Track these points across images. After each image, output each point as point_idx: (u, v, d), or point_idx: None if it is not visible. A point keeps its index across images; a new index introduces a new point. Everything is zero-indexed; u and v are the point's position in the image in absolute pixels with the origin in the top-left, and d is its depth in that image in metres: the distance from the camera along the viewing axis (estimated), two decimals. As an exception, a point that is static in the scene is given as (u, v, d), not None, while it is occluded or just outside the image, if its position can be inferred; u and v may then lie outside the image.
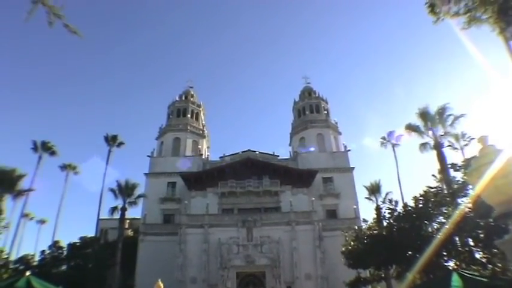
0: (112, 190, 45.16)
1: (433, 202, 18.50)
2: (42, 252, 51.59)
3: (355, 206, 45.58)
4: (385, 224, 20.28)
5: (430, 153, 31.36)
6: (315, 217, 41.25)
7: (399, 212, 19.52)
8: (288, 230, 39.86)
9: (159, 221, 48.03)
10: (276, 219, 41.11)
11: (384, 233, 19.66)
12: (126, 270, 42.97)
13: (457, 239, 17.68)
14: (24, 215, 55.21)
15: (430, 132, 31.35)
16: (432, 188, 19.59)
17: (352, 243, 22.25)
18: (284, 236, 39.34)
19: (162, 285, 13.23)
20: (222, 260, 37.71)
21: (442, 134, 31.24)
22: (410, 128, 32.92)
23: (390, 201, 20.41)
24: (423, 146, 33.38)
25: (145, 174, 51.94)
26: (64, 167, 55.90)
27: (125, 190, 44.55)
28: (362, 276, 26.78)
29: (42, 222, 67.97)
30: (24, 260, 45.95)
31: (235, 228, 39.47)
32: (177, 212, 46.56)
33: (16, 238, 48.18)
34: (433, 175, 20.66)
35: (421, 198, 18.98)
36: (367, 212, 58.09)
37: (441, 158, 28.53)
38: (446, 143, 32.32)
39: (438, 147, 29.31)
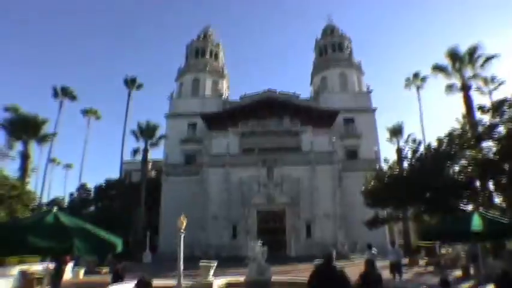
0: (133, 132, 45.68)
1: (457, 144, 18.02)
2: (71, 194, 53.74)
3: (376, 148, 45.18)
4: (406, 164, 19.94)
5: (456, 96, 30.14)
6: (335, 157, 41.29)
7: (421, 153, 19.13)
8: (308, 170, 40.11)
9: (180, 161, 48.88)
10: (297, 159, 41.32)
11: (405, 173, 19.40)
12: (150, 210, 44.44)
13: (477, 183, 17.34)
14: (51, 161, 56.88)
15: (458, 74, 29.94)
16: (456, 130, 19.00)
17: (372, 182, 22.08)
18: (304, 176, 39.72)
19: (185, 220, 13.28)
20: (243, 198, 38.60)
21: (471, 75, 29.80)
22: (438, 68, 31.39)
23: (414, 140, 19.96)
24: (449, 88, 32.10)
25: (166, 116, 52.33)
26: (85, 112, 56.56)
27: (146, 132, 44.84)
28: (380, 216, 26.87)
29: (68, 167, 70.24)
30: (55, 202, 47.48)
31: (255, 168, 39.91)
32: (198, 153, 47.03)
33: (45, 182, 49.83)
34: (458, 118, 19.87)
35: (445, 139, 18.49)
36: (387, 154, 57.43)
37: (467, 100, 27.45)
38: (474, 86, 31.01)
39: (465, 89, 28.09)
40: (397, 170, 20.71)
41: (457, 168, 18.11)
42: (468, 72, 29.25)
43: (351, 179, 40.33)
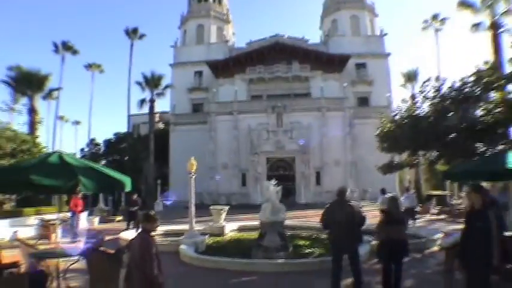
0: (138, 83, 44.80)
1: (484, 83, 16.73)
2: (82, 150, 53.95)
3: (388, 94, 43.58)
4: (427, 105, 18.65)
5: (478, 38, 28.17)
6: (346, 104, 40.11)
7: (444, 93, 17.80)
8: (318, 116, 39.10)
9: (188, 110, 48.15)
10: (306, 105, 40.20)
11: (428, 113, 18.16)
12: (160, 161, 44.50)
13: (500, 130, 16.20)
14: (59, 118, 56.72)
15: (488, 10, 27.55)
16: (483, 70, 17.59)
17: (389, 125, 20.93)
18: (314, 122, 38.75)
19: (195, 162, 12.67)
20: (252, 146, 37.94)
21: (504, 11, 27.23)
22: (464, 4, 28.99)
23: (437, 78, 18.60)
24: (476, 26, 30.02)
25: (171, 65, 51.09)
26: (89, 66, 55.36)
27: (151, 82, 44.09)
28: (395, 161, 25.99)
29: (77, 123, 70.40)
30: (66, 158, 47.36)
31: (264, 114, 38.95)
32: (206, 101, 46.07)
33: (56, 140, 49.48)
34: (485, 61, 18.33)
35: (470, 79, 17.17)
36: (400, 101, 55.50)
37: (496, 40, 25.47)
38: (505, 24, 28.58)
39: (495, 27, 25.98)
40: (414, 112, 19.45)
41: (480, 112, 16.96)
42: (499, 8, 26.94)
43: (362, 126, 39.30)
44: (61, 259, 7.20)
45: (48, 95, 38.50)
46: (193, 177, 12.69)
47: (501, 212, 5.43)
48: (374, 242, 9.76)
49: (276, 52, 45.78)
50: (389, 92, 44.85)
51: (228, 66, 46.06)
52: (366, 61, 48.05)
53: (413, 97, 21.58)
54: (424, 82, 18.75)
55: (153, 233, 4.58)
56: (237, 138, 39.08)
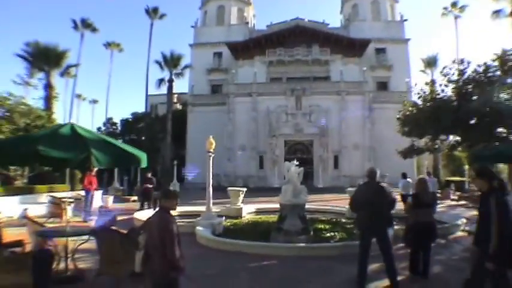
0: (157, 62, 44.44)
1: (509, 67, 16.35)
2: (99, 129, 53.79)
3: (407, 79, 42.83)
4: (451, 88, 18.30)
5: (498, 26, 27.52)
6: (365, 88, 39.83)
7: (468, 76, 17.41)
8: (338, 100, 38.87)
9: (206, 91, 48.00)
10: (326, 88, 39.87)
11: (452, 96, 17.84)
12: (177, 142, 44.45)
13: None
14: (77, 96, 56.92)
15: None
16: (508, 53, 17.17)
17: (410, 108, 20.59)
18: (333, 106, 38.54)
19: (213, 141, 12.55)
20: (271, 128, 37.87)
21: None
22: None
23: (461, 61, 18.20)
24: (496, 13, 29.30)
25: (190, 45, 50.78)
26: (108, 45, 55.24)
27: (170, 61, 43.80)
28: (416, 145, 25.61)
29: (94, 102, 70.21)
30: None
31: (283, 97, 38.83)
32: (225, 82, 45.85)
33: (72, 118, 49.53)
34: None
35: (494, 62, 16.78)
36: (419, 87, 54.58)
37: None
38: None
39: None
40: (438, 95, 19.05)
41: (506, 94, 16.62)
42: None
43: (381, 110, 38.97)
44: (70, 238, 6.73)
45: (65, 72, 38.21)
46: (212, 156, 12.61)
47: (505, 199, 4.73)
48: (398, 227, 9.65)
49: (296, 35, 45.39)
50: (409, 78, 44.11)
51: (248, 48, 45.79)
52: (385, 46, 47.34)
53: (433, 83, 21.10)
54: (444, 68, 18.42)
55: (172, 212, 4.17)
56: (255, 120, 39.03)
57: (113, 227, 6.15)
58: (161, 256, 3.81)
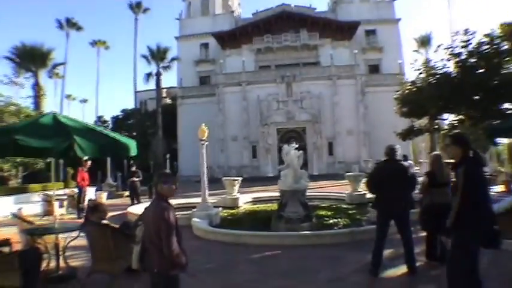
0: (144, 57, 44.30)
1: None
2: (89, 127, 53.10)
3: (400, 61, 42.15)
4: (453, 62, 17.41)
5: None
6: (357, 71, 39.03)
7: (471, 51, 16.48)
8: (329, 85, 38.11)
9: (195, 84, 47.19)
10: (316, 73, 39.11)
11: (455, 70, 16.95)
12: (168, 136, 43.96)
13: None
14: (67, 96, 56.86)
15: None
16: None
17: (409, 87, 19.73)
18: (325, 91, 37.75)
19: (206, 129, 11.80)
20: (262, 117, 37.19)
21: None
22: None
23: (466, 31, 17.23)
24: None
25: (176, 38, 49.97)
26: (94, 43, 54.90)
27: (157, 55, 43.50)
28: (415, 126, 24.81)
29: (84, 101, 70.64)
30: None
31: (274, 84, 38.09)
32: (213, 73, 44.99)
33: (62, 118, 49.22)
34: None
35: (500, 33, 15.93)
36: (411, 68, 53.79)
37: None
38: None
39: None
40: (437, 72, 18.15)
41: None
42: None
43: (374, 94, 38.46)
44: (60, 235, 6.32)
45: (52, 70, 37.98)
46: (205, 144, 11.88)
47: (476, 170, 4.15)
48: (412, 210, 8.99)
49: (283, 21, 44.42)
50: (401, 59, 43.48)
51: (234, 37, 44.85)
52: (375, 27, 46.52)
53: (426, 63, 20.34)
54: (438, 46, 17.69)
55: (171, 200, 3.51)
56: (246, 109, 38.28)
57: (104, 221, 5.53)
58: (159, 251, 3.25)
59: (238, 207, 14.23)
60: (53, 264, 6.20)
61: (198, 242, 8.87)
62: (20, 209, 13.62)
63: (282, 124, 37.65)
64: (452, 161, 4.39)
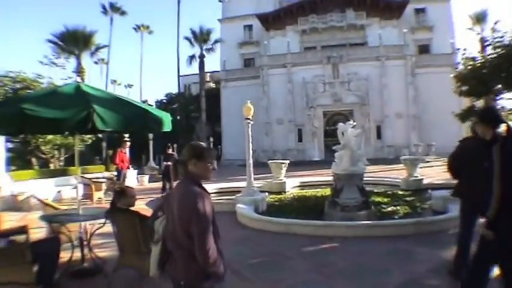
0: (187, 39, 44.14)
1: None
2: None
3: (452, 40, 40.00)
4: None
5: None
6: (406, 51, 37.22)
7: None
8: (377, 66, 36.60)
9: (239, 66, 46.61)
10: (364, 54, 37.57)
11: None
12: (212, 120, 44.16)
13: None
14: (112, 82, 58.17)
15: None
16: None
17: (471, 63, 18.27)
18: (373, 73, 36.33)
19: (252, 106, 11.18)
20: (308, 100, 36.31)
21: None
22: None
23: None
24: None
25: (219, 20, 49.47)
26: (138, 28, 55.39)
27: (200, 37, 43.30)
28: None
29: (129, 86, 71.79)
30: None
31: (319, 66, 36.95)
32: (257, 55, 44.30)
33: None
34: None
35: None
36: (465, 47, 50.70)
37: None
38: None
39: None
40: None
41: None
42: None
43: (424, 75, 36.89)
44: (87, 222, 5.59)
45: (96, 54, 38.31)
46: (251, 123, 11.29)
47: None
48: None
49: (329, 0, 42.78)
50: (453, 38, 41.26)
51: (278, 17, 43.80)
52: (425, 5, 44.00)
53: (482, 41, 18.83)
54: (495, 23, 16.30)
55: (206, 185, 2.54)
56: (291, 92, 37.43)
57: (131, 208, 4.70)
58: (188, 254, 2.34)
59: (285, 192, 13.41)
60: (78, 255, 5.51)
61: (243, 231, 8.16)
62: (59, 192, 13.48)
63: (328, 107, 36.64)
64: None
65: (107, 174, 18.22)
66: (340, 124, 9.70)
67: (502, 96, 18.92)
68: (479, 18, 40.62)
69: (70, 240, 5.39)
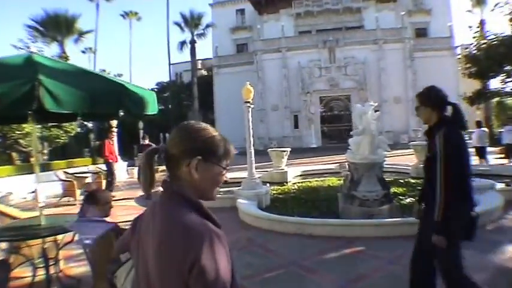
0: (177, 24, 42.88)
1: None
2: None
3: (449, 24, 39.08)
4: None
5: None
6: (404, 34, 36.12)
7: None
8: (375, 50, 35.60)
9: (231, 52, 45.41)
10: (361, 37, 36.41)
11: None
12: (204, 107, 43.17)
13: None
14: (101, 71, 56.11)
15: None
16: None
17: (484, 40, 17.28)
18: (370, 56, 35.31)
19: (251, 88, 10.08)
20: (304, 85, 35.19)
21: None
22: None
23: None
24: None
25: (210, 4, 48.08)
26: (126, 15, 53.19)
27: (191, 21, 42.10)
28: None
29: (119, 75, 69.71)
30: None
31: (315, 50, 35.79)
32: (250, 40, 43.19)
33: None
34: None
35: None
36: (462, 31, 50.49)
37: None
38: None
39: None
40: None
41: None
42: None
43: (422, 59, 35.86)
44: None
45: (81, 40, 36.78)
46: (251, 108, 10.15)
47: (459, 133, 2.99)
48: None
49: (326, -19, 41.50)
50: (451, 21, 40.30)
51: (272, 1, 42.21)
52: (423, -13, 43.05)
53: (481, 24, 17.95)
54: (496, 5, 15.32)
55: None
56: (286, 77, 36.26)
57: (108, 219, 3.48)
58: None
59: (287, 182, 12.32)
60: (41, 272, 4.28)
61: (247, 232, 6.92)
62: (32, 192, 12.07)
63: (325, 92, 35.59)
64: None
65: (93, 167, 16.85)
66: (358, 106, 8.48)
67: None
68: (479, 1, 39.62)
69: (31, 258, 4.24)
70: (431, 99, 3.16)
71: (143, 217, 1.39)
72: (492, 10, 16.60)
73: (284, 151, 13.53)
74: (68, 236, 4.27)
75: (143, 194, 7.22)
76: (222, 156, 1.36)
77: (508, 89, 18.54)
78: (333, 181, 11.25)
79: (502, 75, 17.44)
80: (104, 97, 3.68)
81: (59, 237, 4.33)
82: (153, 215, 1.30)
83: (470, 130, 14.94)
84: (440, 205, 2.77)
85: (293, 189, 10.92)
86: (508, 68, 16.31)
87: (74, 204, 10.63)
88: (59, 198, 11.64)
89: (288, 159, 13.78)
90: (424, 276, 3.14)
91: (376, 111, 8.06)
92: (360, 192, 7.33)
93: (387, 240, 5.83)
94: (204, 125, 1.39)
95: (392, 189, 9.38)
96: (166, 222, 1.22)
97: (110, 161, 13.10)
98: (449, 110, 3.11)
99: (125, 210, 8.66)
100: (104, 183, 13.27)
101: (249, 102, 9.96)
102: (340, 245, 5.85)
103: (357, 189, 7.41)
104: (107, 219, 3.41)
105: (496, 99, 26.90)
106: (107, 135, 13.97)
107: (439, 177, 2.79)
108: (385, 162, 8.12)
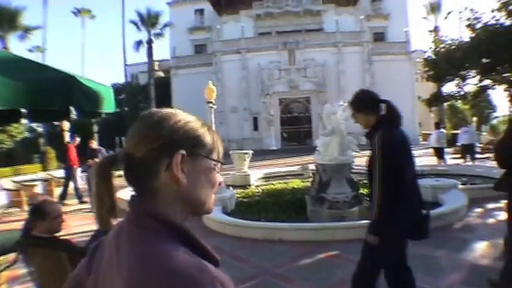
0: (133, 23, 41.38)
1: None
2: (77, 105, 50.42)
3: (406, 29, 40.00)
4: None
5: None
6: (363, 38, 36.62)
7: None
8: (334, 52, 35.79)
9: (190, 53, 44.36)
10: (321, 40, 36.54)
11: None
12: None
13: None
14: None
15: None
16: None
17: (442, 45, 17.50)
18: (330, 59, 35.49)
19: (214, 88, 9.59)
20: (263, 87, 34.85)
21: None
22: None
23: None
24: None
25: (168, 3, 47.05)
26: (78, 12, 50.53)
27: (148, 20, 40.87)
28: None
29: (70, 76, 67.08)
30: (65, 113, 45.01)
31: (275, 52, 35.60)
32: (209, 41, 42.50)
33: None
34: None
35: None
36: (418, 37, 52.31)
37: None
38: None
39: None
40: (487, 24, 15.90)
41: None
42: None
43: (380, 63, 36.25)
44: None
45: (24, 35, 34.39)
46: (214, 108, 9.58)
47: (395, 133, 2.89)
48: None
49: (285, -15, 41.48)
50: (407, 27, 41.27)
51: (231, 2, 41.77)
52: (381, -6, 43.88)
53: (436, 30, 18.38)
54: (449, 13, 15.66)
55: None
56: (246, 78, 35.82)
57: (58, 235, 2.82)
58: None
59: (250, 185, 12.04)
60: None
61: (213, 239, 6.32)
62: None
63: (284, 94, 35.47)
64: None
65: (43, 175, 15.65)
66: (327, 105, 8.39)
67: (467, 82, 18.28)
68: (434, 8, 40.97)
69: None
70: (364, 103, 3.10)
71: (103, 247, 0.90)
72: (445, 18, 16.67)
73: (246, 153, 13.33)
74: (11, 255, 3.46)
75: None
76: (210, 145, 0.94)
77: (462, 93, 18.88)
78: (297, 183, 10.91)
79: (457, 79, 17.72)
80: (49, 90, 2.93)
81: (1, 257, 3.51)
82: (117, 249, 0.81)
83: (428, 132, 15.06)
84: (376, 205, 2.74)
85: (257, 193, 10.43)
86: (463, 72, 16.51)
87: (21, 217, 9.53)
88: (3, 209, 10.53)
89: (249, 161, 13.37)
90: (397, 275, 3.10)
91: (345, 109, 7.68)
92: (329, 195, 7.10)
93: (360, 243, 5.28)
94: (174, 109, 0.96)
95: (363, 190, 9.08)
96: (138, 264, 0.74)
97: (75, 166, 11.87)
98: (383, 109, 3.01)
99: (79, 220, 7.92)
100: (54, 191, 12.23)
101: (211, 102, 9.55)
102: (313, 250, 5.60)
103: (326, 191, 7.16)
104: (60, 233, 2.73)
105: (448, 102, 27.52)
106: (63, 140, 12.87)
107: (377, 178, 2.74)
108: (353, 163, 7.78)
